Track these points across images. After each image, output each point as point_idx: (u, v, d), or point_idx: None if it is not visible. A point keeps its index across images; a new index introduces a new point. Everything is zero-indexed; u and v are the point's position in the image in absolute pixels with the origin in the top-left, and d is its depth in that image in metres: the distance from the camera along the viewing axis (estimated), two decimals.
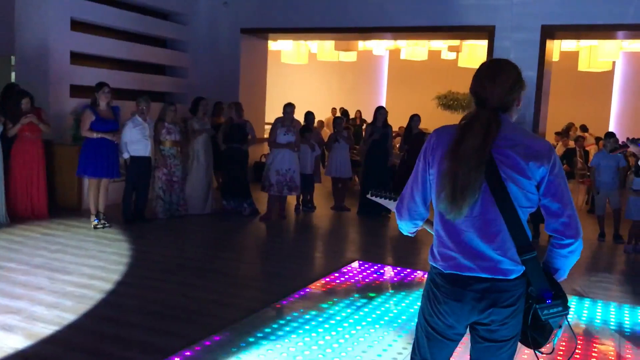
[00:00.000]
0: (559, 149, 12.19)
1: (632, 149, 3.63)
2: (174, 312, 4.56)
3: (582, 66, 13.39)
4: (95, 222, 7.22)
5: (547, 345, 2.11)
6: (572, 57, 13.55)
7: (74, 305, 4.58)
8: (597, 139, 12.70)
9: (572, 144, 11.84)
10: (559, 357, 3.81)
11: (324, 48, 14.74)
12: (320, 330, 4.31)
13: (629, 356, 4.11)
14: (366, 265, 6.21)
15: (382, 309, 4.86)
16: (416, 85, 17.24)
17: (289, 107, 8.46)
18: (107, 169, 7.21)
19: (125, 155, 7.47)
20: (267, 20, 10.88)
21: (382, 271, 6.05)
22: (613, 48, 12.44)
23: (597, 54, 12.64)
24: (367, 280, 5.68)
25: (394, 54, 16.91)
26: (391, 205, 2.37)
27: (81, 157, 7.21)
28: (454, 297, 2.07)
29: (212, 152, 8.69)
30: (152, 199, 7.90)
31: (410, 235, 2.34)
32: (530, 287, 2.06)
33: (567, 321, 2.09)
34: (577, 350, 4.03)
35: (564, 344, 4.03)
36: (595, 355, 4.07)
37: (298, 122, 8.73)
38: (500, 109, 2.05)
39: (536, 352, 2.13)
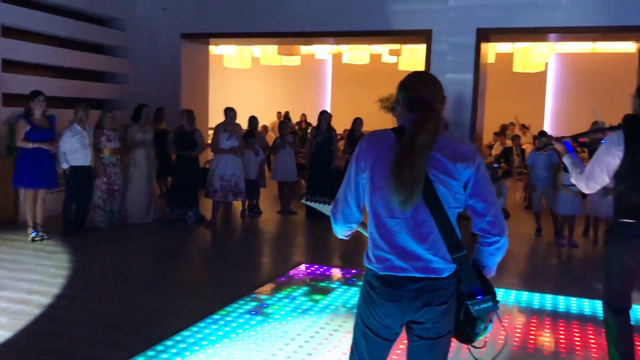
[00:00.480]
0: (497, 148, 12.59)
1: (557, 146, 3.79)
2: (118, 324, 4.48)
3: (517, 67, 13.88)
4: (33, 234, 7.00)
5: (480, 339, 2.20)
6: (507, 59, 14.01)
7: (9, 321, 4.43)
8: (534, 138, 13.19)
9: (509, 142, 12.26)
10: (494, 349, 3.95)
11: (267, 52, 14.74)
12: (265, 335, 4.32)
13: (563, 345, 4.30)
14: (313, 268, 6.25)
15: (328, 310, 4.91)
16: (359, 88, 17.46)
17: (230, 112, 8.43)
18: (44, 180, 7.00)
19: (65, 165, 7.26)
20: (208, 25, 10.80)
21: (328, 273, 6.10)
22: (545, 50, 12.96)
23: (530, 56, 13.14)
24: (313, 283, 5.72)
25: (337, 57, 17.10)
26: (326, 209, 2.42)
27: (17, 168, 6.98)
28: (389, 297, 2.13)
29: (158, 158, 8.57)
30: (90, 208, 7.71)
31: (345, 238, 2.39)
32: (461, 285, 2.14)
33: (497, 315, 2.17)
34: (507, 342, 4.19)
35: (503, 335, 4.19)
36: (532, 343, 4.24)
37: (239, 126, 8.69)
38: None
39: (469, 346, 2.21)
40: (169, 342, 4.11)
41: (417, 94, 2.17)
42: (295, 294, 5.34)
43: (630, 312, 3.39)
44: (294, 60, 15.48)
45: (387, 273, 2.12)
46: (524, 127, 14.28)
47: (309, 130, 13.68)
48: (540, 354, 4.13)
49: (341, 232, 2.34)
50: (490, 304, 2.12)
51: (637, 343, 4.17)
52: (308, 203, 2.57)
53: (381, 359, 2.26)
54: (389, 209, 2.10)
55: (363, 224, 2.29)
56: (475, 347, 2.21)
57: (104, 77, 10.76)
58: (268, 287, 5.55)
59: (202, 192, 8.60)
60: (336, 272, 6.18)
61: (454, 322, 2.17)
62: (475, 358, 2.27)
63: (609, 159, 3.30)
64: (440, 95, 2.20)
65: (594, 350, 4.20)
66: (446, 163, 2.07)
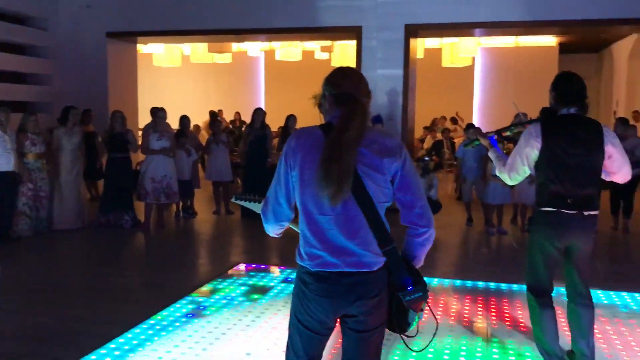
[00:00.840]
0: (428, 142, 12.89)
1: (483, 141, 3.93)
2: (49, 335, 4.31)
3: (445, 62, 14.27)
4: None
5: (412, 328, 2.25)
6: (435, 54, 14.37)
7: None
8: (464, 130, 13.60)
9: (440, 136, 12.58)
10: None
11: (197, 50, 14.52)
12: (203, 337, 4.26)
13: (496, 330, 4.46)
14: (251, 268, 6.22)
15: (267, 309, 4.89)
16: (293, 85, 17.45)
17: (160, 112, 8.26)
18: None
19: None
20: (135, 24, 10.53)
21: (267, 272, 6.08)
22: (472, 45, 13.37)
23: (457, 51, 13.52)
24: (251, 282, 5.69)
25: (269, 54, 17.02)
26: (256, 207, 2.42)
27: None
28: (322, 293, 2.15)
29: (87, 162, 8.30)
30: (14, 215, 7.38)
31: (276, 236, 2.40)
32: (392, 276, 2.18)
33: (428, 304, 2.23)
34: (438, 330, 4.31)
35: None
36: (465, 326, 4.38)
37: (169, 125, 8.53)
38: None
39: (402, 336, 2.26)
40: (102, 351, 4.00)
41: (342, 89, 2.19)
42: (233, 294, 5.30)
43: (552, 295, 3.56)
44: (225, 58, 15.32)
45: (320, 269, 2.14)
46: (454, 122, 14.69)
47: (243, 129, 13.58)
48: (473, 337, 4.27)
49: (272, 230, 2.35)
50: (420, 293, 2.17)
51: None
52: (238, 202, 2.57)
53: (317, 354, 2.28)
54: (319, 206, 2.11)
55: (295, 221, 2.30)
56: (408, 337, 2.26)
57: (27, 79, 10.30)
58: (206, 289, 5.48)
59: (134, 195, 8.40)
60: (274, 271, 6.17)
61: (386, 313, 2.21)
62: (408, 347, 2.33)
63: (528, 150, 3.46)
64: (366, 90, 2.23)
65: (522, 322, 4.38)
66: (374, 158, 2.11)
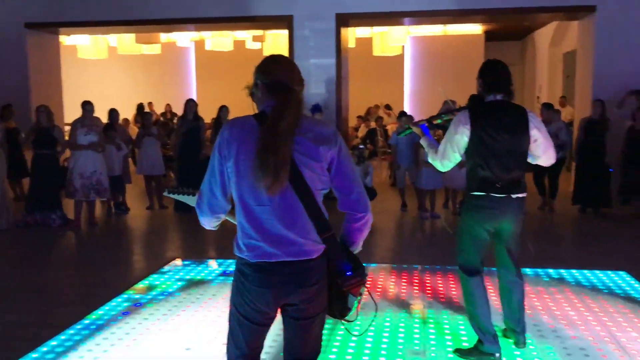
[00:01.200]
0: (362, 130, 13.03)
1: (415, 130, 4.02)
2: None
3: (376, 51, 14.44)
4: None
5: (352, 313, 2.27)
6: (366, 43, 14.52)
7: None
8: (397, 118, 13.84)
9: (373, 124, 12.75)
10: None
11: (124, 41, 14.08)
12: (141, 334, 4.17)
13: (432, 310, 4.58)
14: (188, 262, 6.12)
15: (206, 303, 4.84)
16: (225, 75, 17.23)
17: (87, 105, 7.97)
18: None
19: None
20: (56, 14, 10.09)
21: (204, 266, 6.00)
22: (401, 33, 13.59)
23: (388, 39, 13.72)
24: (188, 276, 5.60)
25: (200, 45, 16.72)
26: (191, 200, 2.38)
27: None
28: (262, 284, 2.13)
29: (9, 159, 7.90)
30: None
31: (212, 228, 2.37)
32: (331, 263, 2.19)
33: (366, 288, 2.26)
34: (377, 314, 4.41)
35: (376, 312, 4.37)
36: (401, 308, 4.49)
37: (99, 119, 8.25)
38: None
39: (342, 321, 2.28)
40: (34, 355, 3.84)
41: (274, 78, 2.17)
42: (170, 289, 5.20)
43: (482, 274, 3.69)
44: (154, 49, 14.94)
45: (259, 260, 2.12)
46: (388, 109, 14.92)
47: (175, 121, 13.30)
48: (410, 317, 4.38)
49: (208, 223, 2.31)
50: (359, 278, 2.19)
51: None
52: (171, 195, 2.51)
53: (258, 345, 2.27)
54: (256, 196, 2.09)
55: (231, 213, 2.27)
56: (348, 321, 2.29)
57: None
58: (142, 286, 5.35)
59: (63, 193, 8.08)
60: (212, 264, 6.10)
61: (326, 300, 2.23)
62: (349, 332, 2.36)
63: (458, 137, 3.57)
64: (298, 78, 2.22)
65: (457, 301, 4.52)
66: (309, 146, 2.10)
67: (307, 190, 2.10)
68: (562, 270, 5.61)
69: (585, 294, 4.97)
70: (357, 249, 2.30)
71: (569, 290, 5.05)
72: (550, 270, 5.60)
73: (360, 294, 2.25)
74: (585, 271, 5.59)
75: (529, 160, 3.68)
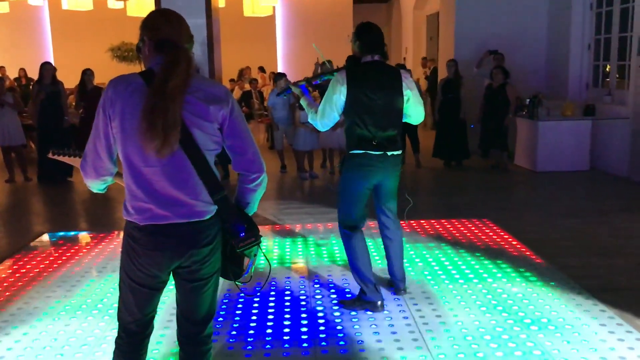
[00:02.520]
0: (237, 93, 12.85)
1: (294, 90, 4.04)
2: None
3: (247, 12, 14.16)
4: None
5: (245, 275, 2.27)
6: (237, 3, 14.19)
7: None
8: (271, 79, 13.76)
9: (247, 86, 12.59)
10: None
11: None
12: (5, 320, 3.88)
13: (316, 267, 4.70)
14: (58, 236, 5.76)
15: (82, 277, 4.59)
16: (85, 37, 16.15)
17: None
18: None
19: None
20: None
21: (75, 240, 5.68)
22: None
23: (259, 0, 13.49)
24: (59, 252, 5.27)
25: (55, 4, 15.41)
26: (76, 162, 2.24)
27: None
28: (153, 247, 2.07)
29: None
30: None
31: (101, 192, 2.25)
32: (224, 224, 2.16)
33: (261, 250, 2.26)
34: (271, 274, 4.46)
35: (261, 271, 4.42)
36: (289, 273, 4.57)
37: None
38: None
39: (236, 282, 2.28)
40: None
41: (162, 34, 2.06)
42: (40, 267, 4.88)
43: (362, 228, 3.84)
44: (2, 7, 13.56)
45: (149, 223, 2.05)
46: (262, 71, 14.79)
47: (30, 86, 12.28)
48: (295, 276, 4.47)
49: (95, 186, 2.19)
50: (253, 239, 2.18)
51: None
52: (56, 157, 2.34)
53: (151, 310, 2.21)
54: (144, 158, 2.00)
55: (119, 175, 2.16)
56: (242, 283, 2.28)
57: None
58: (10, 263, 4.97)
59: None
60: (84, 237, 5.79)
61: (219, 261, 2.20)
62: (243, 293, 2.36)
63: (336, 97, 3.64)
64: (187, 35, 2.13)
65: (338, 257, 4.68)
66: (200, 105, 2.03)
67: (198, 150, 2.03)
68: (432, 221, 5.97)
69: (455, 242, 5.34)
70: (253, 209, 2.28)
71: (439, 240, 5.39)
72: (422, 221, 5.94)
73: (255, 255, 2.24)
74: (453, 220, 5.99)
75: (405, 119, 3.84)
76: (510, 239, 5.34)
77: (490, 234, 5.53)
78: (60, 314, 3.89)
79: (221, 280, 2.28)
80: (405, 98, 3.72)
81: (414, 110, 3.80)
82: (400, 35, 18.09)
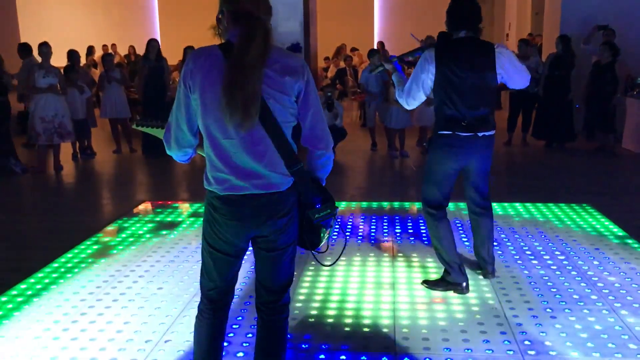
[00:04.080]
0: (332, 70, 12.87)
1: (387, 67, 3.97)
2: None
3: None
4: None
5: (322, 244, 2.28)
6: None
7: None
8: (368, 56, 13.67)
9: (342, 64, 12.58)
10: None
11: None
12: (112, 276, 4.15)
13: (401, 246, 4.66)
14: (157, 205, 6.08)
15: (176, 244, 4.83)
16: (190, 15, 16.74)
17: (44, 47, 7.65)
18: None
19: None
20: None
21: (174, 209, 5.97)
22: None
23: None
24: (158, 219, 5.56)
25: None
26: (159, 133, 2.33)
27: None
28: (232, 217, 2.12)
29: None
30: None
31: (185, 162, 2.33)
32: (301, 196, 2.18)
33: (337, 221, 2.26)
34: (346, 247, 4.47)
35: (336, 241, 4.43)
36: (374, 250, 4.56)
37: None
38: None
39: (313, 252, 2.30)
40: (3, 299, 3.81)
41: (240, 6, 2.07)
42: (140, 232, 5.17)
43: (446, 208, 3.74)
44: None
45: (228, 193, 2.10)
46: (353, 51, 14.71)
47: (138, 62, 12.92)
48: (380, 253, 4.45)
49: (177, 157, 2.26)
50: (328, 210, 2.19)
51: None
52: (140, 128, 2.44)
53: (231, 277, 2.27)
54: (223, 130, 2.04)
55: (200, 146, 2.22)
56: (319, 252, 2.30)
57: None
58: (111, 229, 5.31)
59: (23, 138, 7.87)
60: (183, 206, 6.07)
61: (297, 231, 2.22)
62: (320, 262, 2.37)
63: (424, 76, 3.54)
64: (265, 6, 2.12)
65: (424, 237, 4.61)
66: (277, 78, 2.03)
67: (275, 123, 2.05)
68: (528, 204, 5.73)
69: (551, 226, 5.10)
70: (322, 183, 2.28)
71: (534, 224, 5.17)
72: (517, 204, 5.72)
73: (331, 226, 2.25)
74: (551, 204, 5.72)
75: (509, 86, 3.68)
76: (610, 227, 5.02)
77: (590, 219, 5.23)
78: (154, 278, 4.12)
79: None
80: (498, 76, 3.54)
81: (514, 78, 3.59)
82: (504, 11, 17.30)
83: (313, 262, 4.12)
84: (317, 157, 2.20)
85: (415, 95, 3.61)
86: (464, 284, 3.73)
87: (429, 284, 3.87)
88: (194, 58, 2.07)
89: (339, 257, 2.46)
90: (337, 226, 2.30)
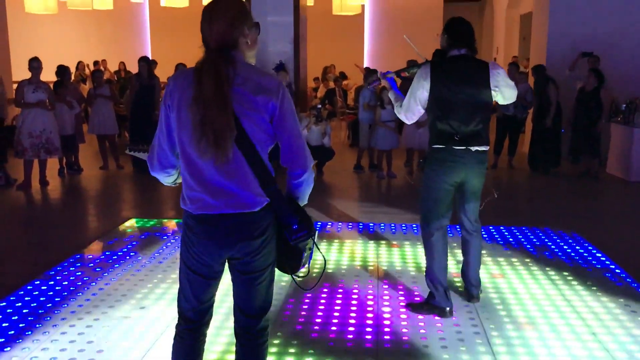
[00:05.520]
0: (321, 91, 12.95)
1: (383, 82, 4.04)
2: None
3: (336, 10, 14.25)
4: None
5: (302, 268, 2.26)
6: (326, 1, 14.30)
7: None
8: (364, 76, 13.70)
9: (332, 84, 12.66)
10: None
11: None
12: (93, 294, 4.11)
13: (387, 268, 4.66)
14: (143, 222, 6.04)
15: (160, 262, 4.79)
16: (181, 33, 16.75)
17: (34, 62, 7.63)
18: None
19: None
20: None
21: (160, 226, 5.94)
22: None
23: None
24: (143, 236, 5.53)
25: (155, 1, 16.18)
26: (146, 157, 2.32)
27: None
28: (205, 236, 2.11)
29: None
30: None
31: (172, 185, 2.33)
32: (278, 217, 2.16)
33: (315, 243, 2.24)
34: (326, 267, 4.47)
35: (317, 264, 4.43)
36: (351, 266, 4.55)
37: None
38: (227, 48, 2.07)
39: (293, 276, 2.28)
40: None
41: (203, 35, 2.08)
42: (125, 249, 5.14)
43: (444, 228, 3.75)
44: (106, 4, 14.37)
45: (201, 213, 2.09)
46: (343, 77, 14.72)
47: (127, 78, 12.92)
48: (365, 276, 4.45)
49: (161, 178, 2.26)
50: (305, 231, 2.15)
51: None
52: (132, 153, 2.44)
53: (207, 298, 2.24)
54: (197, 148, 2.04)
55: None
56: (298, 277, 2.29)
57: None
58: (95, 246, 5.27)
59: (11, 152, 7.82)
60: (168, 224, 6.04)
61: (274, 254, 2.21)
62: (300, 287, 2.36)
63: (420, 92, 3.59)
64: (240, 22, 2.08)
65: (410, 260, 4.61)
66: (249, 96, 2.03)
67: (248, 142, 2.04)
68: (513, 228, 5.76)
69: (534, 250, 5.12)
70: (302, 203, 2.25)
71: (518, 247, 5.19)
72: (502, 228, 5.74)
73: (310, 249, 2.23)
74: (537, 230, 5.75)
75: (499, 102, 3.74)
76: (598, 254, 5.04)
77: (576, 246, 5.25)
78: (136, 297, 4.08)
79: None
80: (493, 93, 3.60)
81: (505, 94, 3.66)
82: (492, 35, 17.56)
83: (293, 285, 4.10)
84: (295, 176, 2.18)
85: (413, 110, 3.67)
86: (448, 308, 3.73)
87: (413, 307, 3.86)
88: (174, 79, 2.11)
89: (319, 280, 2.45)
90: (318, 248, 2.29)
